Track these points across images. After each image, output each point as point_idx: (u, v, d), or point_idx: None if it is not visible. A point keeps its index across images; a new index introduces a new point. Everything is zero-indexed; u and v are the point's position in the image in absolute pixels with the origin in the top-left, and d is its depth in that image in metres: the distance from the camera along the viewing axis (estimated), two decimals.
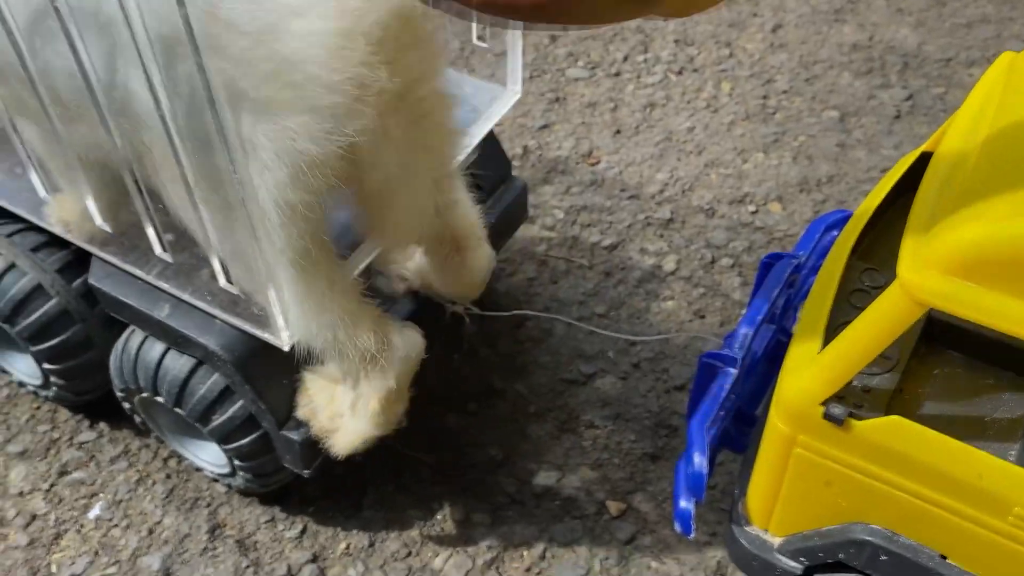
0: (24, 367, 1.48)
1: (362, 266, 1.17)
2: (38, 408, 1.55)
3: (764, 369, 1.25)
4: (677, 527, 1.11)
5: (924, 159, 1.09)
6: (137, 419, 1.39)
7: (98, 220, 1.18)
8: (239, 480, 1.34)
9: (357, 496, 1.44)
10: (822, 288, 1.04)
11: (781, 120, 2.04)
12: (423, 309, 1.34)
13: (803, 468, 1.02)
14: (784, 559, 1.09)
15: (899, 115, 2.05)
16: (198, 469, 1.42)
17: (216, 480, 1.42)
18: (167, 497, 1.44)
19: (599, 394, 1.56)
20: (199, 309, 1.15)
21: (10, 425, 1.53)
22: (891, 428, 0.93)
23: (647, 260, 1.76)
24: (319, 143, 0.82)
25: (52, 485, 1.46)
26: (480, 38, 1.46)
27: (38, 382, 1.46)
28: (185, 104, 0.83)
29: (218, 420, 1.21)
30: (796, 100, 2.09)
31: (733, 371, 1.12)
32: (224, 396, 1.20)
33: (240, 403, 1.20)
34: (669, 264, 1.75)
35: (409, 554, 1.38)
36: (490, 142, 1.44)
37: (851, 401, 0.97)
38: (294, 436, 1.19)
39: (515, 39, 1.32)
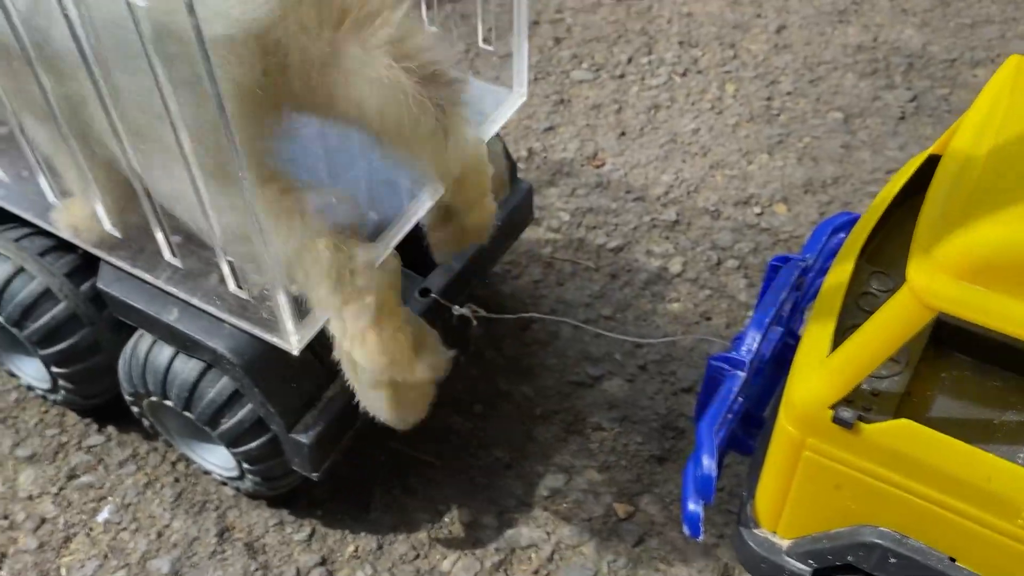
0: (32, 371, 1.48)
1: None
2: (46, 412, 1.56)
3: (771, 371, 1.26)
4: (685, 529, 1.11)
5: (931, 162, 1.10)
6: (145, 423, 1.40)
7: (107, 225, 1.18)
8: (248, 483, 1.34)
9: (365, 499, 1.44)
10: (830, 291, 1.05)
11: (785, 121, 2.04)
12: (430, 311, 1.34)
13: (812, 471, 1.02)
14: (793, 561, 1.10)
15: (904, 116, 2.05)
16: (206, 472, 1.43)
17: (224, 483, 1.43)
18: (176, 500, 1.44)
19: (606, 396, 1.56)
20: (208, 313, 1.16)
21: (19, 429, 1.54)
22: (900, 431, 0.93)
23: (653, 262, 1.76)
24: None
25: (61, 489, 1.47)
26: (486, 41, 1.47)
27: (46, 386, 1.47)
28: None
29: (227, 424, 1.21)
30: (800, 101, 2.09)
31: (741, 374, 1.12)
32: (233, 400, 1.20)
33: (249, 406, 1.20)
34: (675, 266, 1.75)
35: (417, 556, 1.38)
36: (495, 144, 1.45)
37: (860, 404, 0.98)
38: (303, 439, 1.19)
39: (521, 42, 1.33)
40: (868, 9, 2.33)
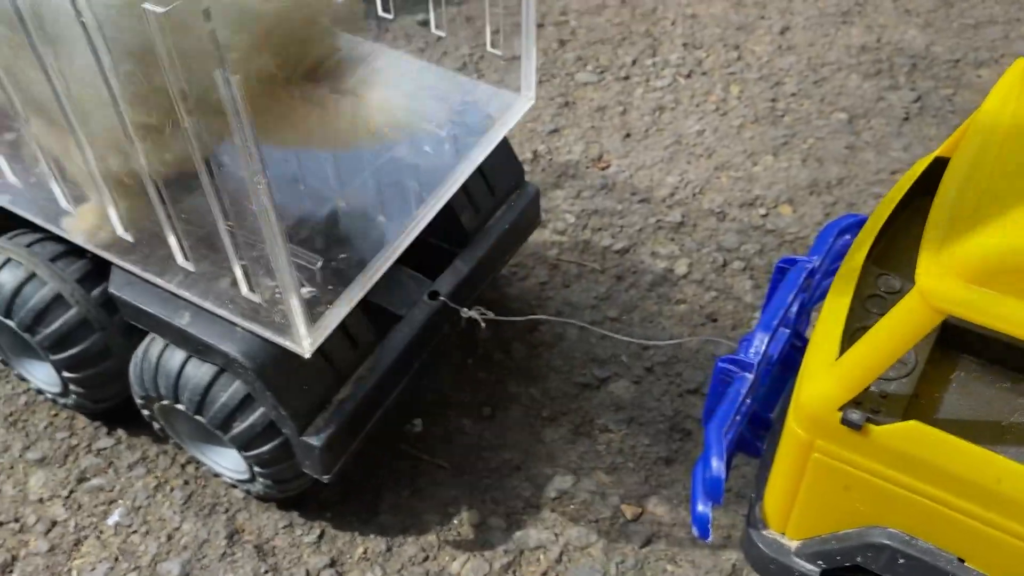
0: (43, 375, 1.49)
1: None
2: (56, 415, 1.57)
3: (778, 373, 1.26)
4: (695, 531, 1.11)
5: (938, 164, 1.10)
6: (156, 426, 1.40)
7: (119, 230, 1.19)
8: (258, 486, 1.35)
9: (374, 501, 1.45)
10: (838, 293, 1.05)
11: (790, 123, 2.05)
12: (438, 315, 1.35)
13: (821, 472, 1.02)
14: (801, 562, 1.10)
15: (908, 117, 2.05)
16: (216, 475, 1.43)
17: (234, 486, 1.43)
18: (185, 503, 1.45)
19: (613, 398, 1.57)
20: (219, 317, 1.16)
21: (28, 432, 1.54)
22: (909, 433, 0.94)
23: (659, 264, 1.77)
24: None
25: (71, 492, 1.47)
26: (493, 45, 1.47)
27: (57, 390, 1.47)
28: None
29: (239, 427, 1.22)
30: (805, 102, 2.09)
31: (749, 376, 1.12)
32: (245, 404, 1.21)
33: (261, 410, 1.21)
34: (681, 267, 1.76)
35: (426, 558, 1.39)
36: (503, 148, 1.45)
37: (868, 406, 0.98)
38: (314, 442, 1.20)
39: (529, 46, 1.33)
40: (871, 10, 2.34)
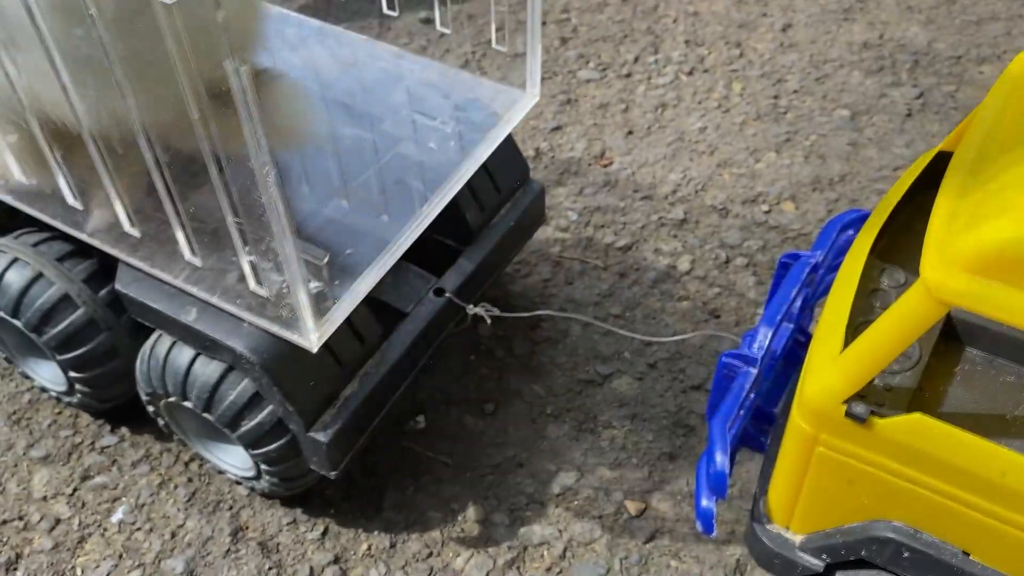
0: (48, 374, 1.49)
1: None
2: (60, 413, 1.57)
3: (782, 368, 1.26)
4: (699, 526, 1.11)
5: (941, 158, 1.10)
6: (161, 423, 1.41)
7: (126, 226, 1.19)
8: (263, 483, 1.35)
9: (378, 498, 1.45)
10: (842, 287, 1.05)
11: (792, 119, 2.05)
12: (443, 311, 1.35)
13: (825, 466, 1.02)
14: (806, 557, 1.10)
15: (910, 113, 2.05)
16: (220, 472, 1.43)
17: (238, 483, 1.44)
18: (189, 500, 1.45)
19: (616, 394, 1.57)
20: (226, 313, 1.16)
21: (32, 430, 1.55)
22: (913, 426, 0.94)
23: (661, 260, 1.77)
24: None
25: (75, 489, 1.47)
26: (497, 42, 1.48)
27: (62, 389, 1.47)
28: None
29: (247, 425, 1.22)
30: (807, 99, 2.09)
31: (753, 370, 1.12)
32: (254, 402, 1.21)
33: (269, 408, 1.21)
34: (683, 264, 1.76)
35: (430, 554, 1.39)
36: (508, 145, 1.46)
37: (873, 399, 0.98)
38: (321, 438, 1.20)
39: (534, 44, 1.34)
40: (874, 7, 2.34)
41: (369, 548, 1.40)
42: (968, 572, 0.99)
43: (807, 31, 2.27)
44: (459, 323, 1.40)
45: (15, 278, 1.31)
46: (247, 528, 1.42)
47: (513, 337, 1.65)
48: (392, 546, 1.40)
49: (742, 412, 1.13)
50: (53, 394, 1.52)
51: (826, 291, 1.21)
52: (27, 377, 1.54)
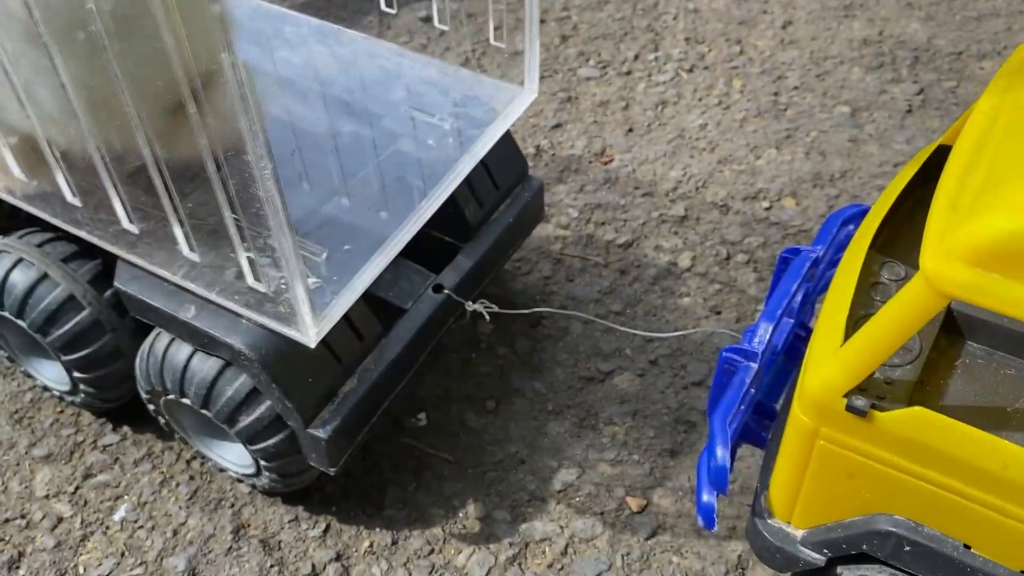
0: (52, 374, 1.49)
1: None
2: (62, 412, 1.57)
3: (783, 363, 1.26)
4: (700, 521, 1.11)
5: (941, 152, 1.10)
6: (161, 421, 1.41)
7: (125, 223, 1.19)
8: (264, 480, 1.35)
9: (379, 495, 1.45)
10: (842, 281, 1.05)
11: (793, 116, 2.05)
12: (442, 308, 1.35)
13: (826, 460, 1.02)
14: (807, 551, 1.10)
15: (911, 109, 2.05)
16: (221, 470, 1.44)
17: (240, 481, 1.44)
18: (191, 498, 1.45)
19: (617, 391, 1.57)
20: (224, 309, 1.16)
21: (34, 429, 1.55)
22: (914, 419, 0.94)
23: (662, 257, 1.77)
24: None
25: (77, 488, 1.48)
26: (496, 39, 1.48)
27: (66, 388, 1.47)
28: None
29: (245, 421, 1.22)
30: (807, 96, 2.09)
31: (753, 365, 1.12)
32: (251, 397, 1.21)
33: (267, 404, 1.21)
34: (684, 261, 1.76)
35: (432, 551, 1.39)
36: (507, 142, 1.46)
37: (873, 393, 0.98)
38: (320, 434, 1.20)
39: (532, 40, 1.34)
40: (873, 3, 2.34)
41: (371, 545, 1.40)
42: (969, 565, 0.99)
43: (807, 28, 2.27)
44: (458, 320, 1.40)
45: (20, 279, 1.31)
46: (249, 526, 1.42)
47: (514, 334, 1.65)
48: (394, 543, 1.40)
49: (743, 407, 1.13)
50: (56, 393, 1.52)
51: (827, 286, 1.21)
52: (29, 376, 1.54)
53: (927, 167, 1.12)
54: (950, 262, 0.82)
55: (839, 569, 1.10)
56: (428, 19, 2.33)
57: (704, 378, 1.58)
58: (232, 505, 1.44)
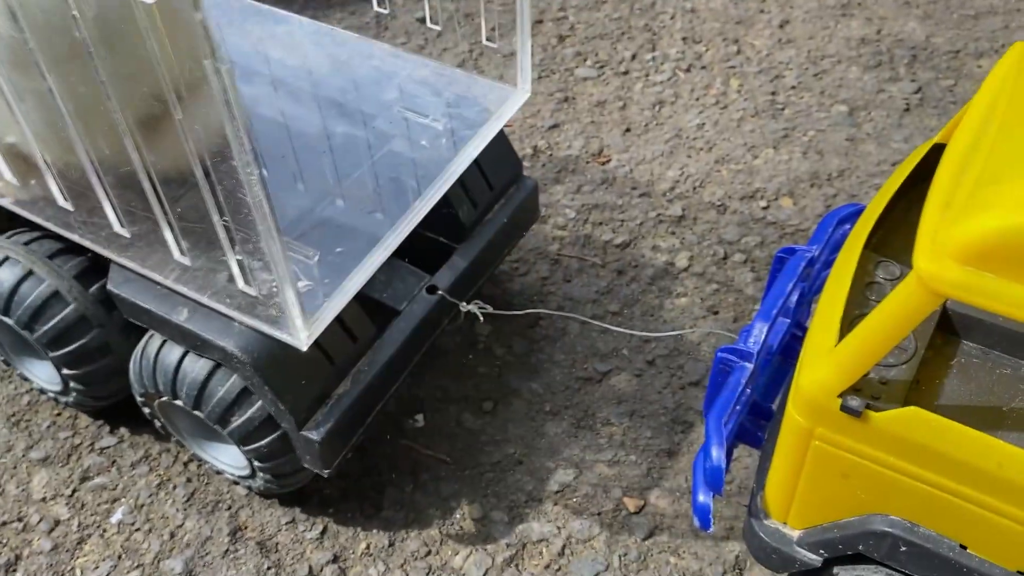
0: (43, 373, 1.49)
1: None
2: (59, 414, 1.57)
3: (779, 363, 1.26)
4: (696, 522, 1.11)
5: (936, 151, 1.10)
6: (157, 423, 1.41)
7: (116, 227, 1.19)
8: (259, 482, 1.35)
9: (376, 497, 1.45)
10: (837, 281, 1.05)
11: (790, 115, 2.04)
12: (437, 309, 1.35)
13: (821, 460, 1.02)
14: (803, 552, 1.10)
15: (908, 108, 2.05)
16: (218, 472, 1.43)
17: (236, 483, 1.44)
18: (188, 501, 1.45)
19: (614, 391, 1.56)
20: (217, 312, 1.16)
21: (31, 432, 1.55)
22: (909, 419, 0.93)
23: (659, 257, 1.76)
24: None
25: (74, 491, 1.47)
26: (489, 39, 1.47)
27: (58, 388, 1.48)
28: None
29: (237, 422, 1.22)
30: (805, 95, 2.09)
31: (749, 365, 1.12)
32: (242, 398, 1.21)
33: (259, 404, 1.21)
34: (682, 261, 1.75)
35: (429, 553, 1.38)
36: (500, 142, 1.45)
37: (868, 393, 0.98)
38: (314, 436, 1.20)
39: (524, 39, 1.33)
40: (871, 2, 2.33)
41: (368, 547, 1.39)
42: (965, 565, 0.98)
43: (804, 27, 2.27)
44: (452, 321, 1.39)
45: (6, 276, 1.32)
46: (246, 528, 1.42)
47: (511, 335, 1.64)
48: (391, 545, 1.40)
49: (738, 407, 1.12)
50: (50, 395, 1.52)
51: (823, 286, 1.20)
52: (25, 379, 1.54)
53: (922, 166, 1.11)
54: (943, 261, 0.81)
55: (836, 570, 1.10)
56: (424, 20, 2.33)
57: (701, 378, 1.57)
58: (229, 507, 1.44)
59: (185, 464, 1.49)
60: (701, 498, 1.10)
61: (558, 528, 1.40)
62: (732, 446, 1.19)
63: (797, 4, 2.33)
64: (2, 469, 1.50)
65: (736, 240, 1.79)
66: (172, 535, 1.41)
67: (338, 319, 1.18)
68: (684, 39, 2.25)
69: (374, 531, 1.41)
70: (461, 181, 1.37)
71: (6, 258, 1.33)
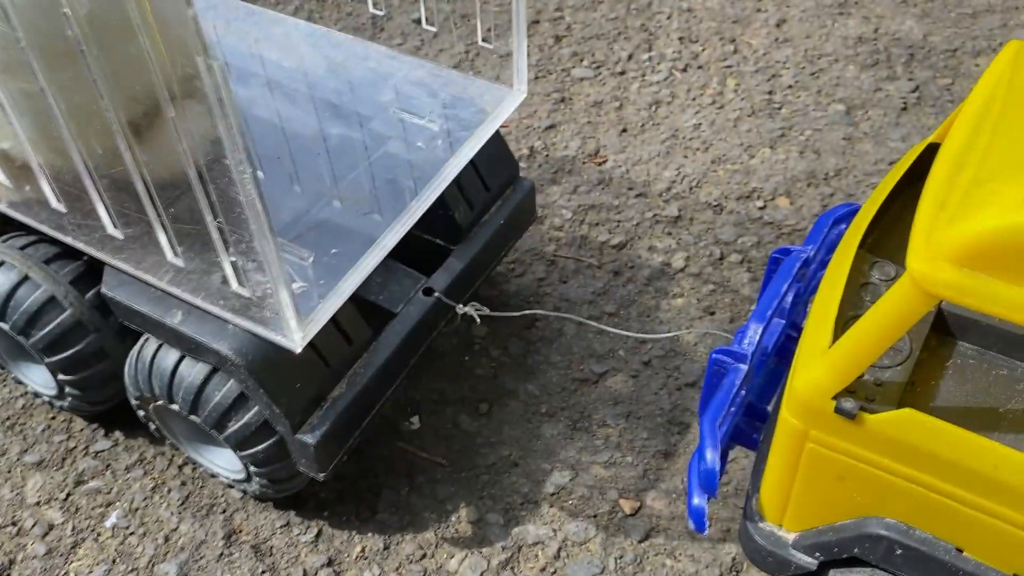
0: (39, 378, 1.49)
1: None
2: (53, 418, 1.56)
3: (774, 364, 1.25)
4: (691, 524, 1.11)
5: (931, 150, 1.09)
6: (152, 427, 1.40)
7: (109, 228, 1.19)
8: (255, 486, 1.35)
9: (371, 500, 1.44)
10: (831, 282, 1.04)
11: (787, 115, 2.04)
12: (433, 311, 1.35)
13: (816, 463, 1.02)
14: (799, 555, 1.09)
15: (906, 107, 2.04)
16: (213, 475, 1.43)
17: (231, 486, 1.43)
18: (183, 504, 1.45)
19: (611, 393, 1.56)
20: (212, 316, 1.16)
21: (26, 435, 1.54)
22: (904, 421, 0.93)
23: (656, 258, 1.76)
24: None
25: (69, 494, 1.47)
26: (485, 40, 1.47)
27: (53, 392, 1.47)
28: None
29: (233, 427, 1.22)
30: (802, 94, 2.08)
31: (743, 367, 1.12)
32: (239, 402, 1.20)
33: (255, 409, 1.20)
34: (678, 261, 1.75)
35: (424, 556, 1.38)
36: (497, 143, 1.45)
37: (863, 395, 0.97)
38: (309, 440, 1.19)
39: (520, 40, 1.33)
40: (868, 1, 2.32)
41: (363, 550, 1.39)
42: (961, 568, 0.98)
43: (801, 26, 2.26)
44: (449, 322, 1.39)
45: (1, 281, 1.31)
46: (240, 531, 1.41)
47: (507, 337, 1.64)
48: (386, 548, 1.39)
49: (733, 409, 1.12)
50: (45, 399, 1.51)
51: (818, 286, 1.20)
52: (20, 383, 1.54)
53: (917, 165, 1.11)
54: (937, 262, 0.81)
55: (831, 573, 1.09)
56: (420, 21, 2.32)
57: (698, 379, 1.57)
58: (224, 511, 1.44)
59: (180, 468, 1.49)
60: (696, 501, 1.10)
61: (554, 530, 1.40)
62: (728, 448, 1.19)
63: (794, 3, 2.33)
64: None
65: (732, 240, 1.78)
66: (167, 539, 1.41)
67: (333, 321, 1.18)
68: (680, 39, 2.24)
69: (369, 534, 1.40)
70: (457, 182, 1.37)
71: (1, 263, 1.33)
